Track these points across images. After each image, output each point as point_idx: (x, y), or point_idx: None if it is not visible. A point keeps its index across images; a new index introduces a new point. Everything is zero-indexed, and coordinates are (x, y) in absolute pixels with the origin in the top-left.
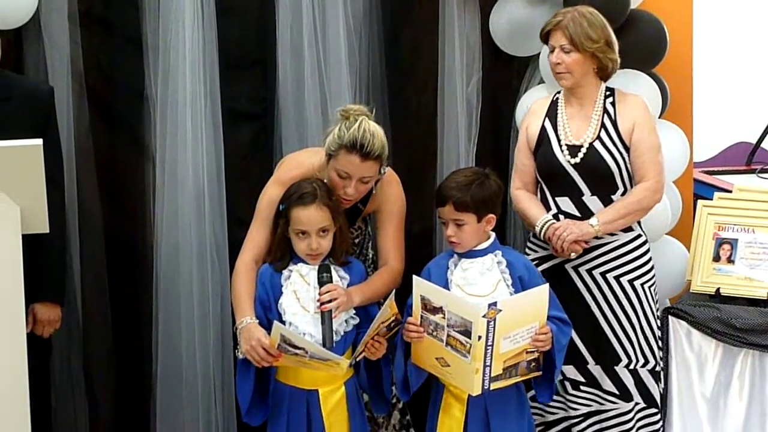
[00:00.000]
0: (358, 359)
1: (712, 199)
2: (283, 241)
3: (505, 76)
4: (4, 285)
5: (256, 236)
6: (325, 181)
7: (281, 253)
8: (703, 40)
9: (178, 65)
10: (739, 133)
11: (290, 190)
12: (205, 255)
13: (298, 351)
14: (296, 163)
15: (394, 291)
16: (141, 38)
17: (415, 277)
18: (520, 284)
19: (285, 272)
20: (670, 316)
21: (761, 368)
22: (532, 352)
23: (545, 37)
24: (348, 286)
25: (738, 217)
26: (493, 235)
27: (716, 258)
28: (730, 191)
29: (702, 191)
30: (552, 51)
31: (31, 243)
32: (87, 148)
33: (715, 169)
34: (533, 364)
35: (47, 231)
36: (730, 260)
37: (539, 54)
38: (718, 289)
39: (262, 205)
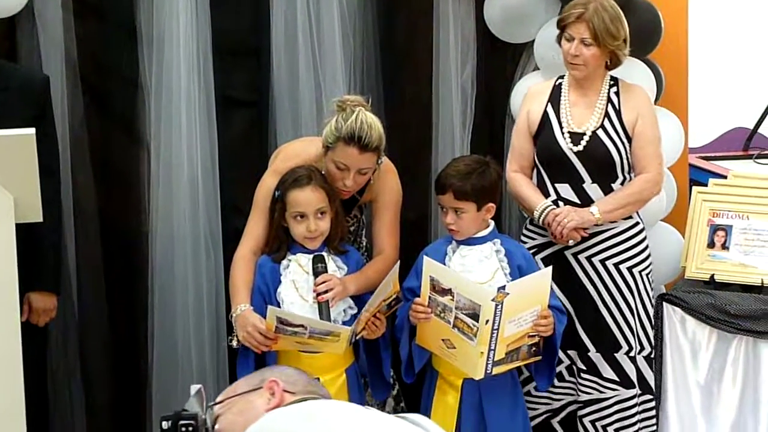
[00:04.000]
0: (357, 337)
1: (708, 185)
2: (280, 229)
3: (499, 63)
4: None
5: (254, 227)
6: (323, 172)
7: (279, 242)
8: (699, 26)
9: (172, 54)
10: (736, 119)
11: (285, 176)
12: (200, 243)
13: (297, 329)
14: (293, 153)
15: (397, 266)
16: (135, 27)
17: (425, 257)
18: (519, 273)
19: (284, 262)
20: (664, 303)
21: (755, 355)
22: (533, 336)
23: (561, 24)
24: (346, 275)
25: (733, 203)
26: (492, 223)
27: (711, 244)
28: (727, 177)
29: (699, 177)
30: (569, 40)
31: (26, 232)
32: (81, 137)
33: (712, 154)
34: (533, 348)
35: (41, 220)
36: (724, 247)
37: (534, 41)
38: (713, 275)
39: (260, 196)
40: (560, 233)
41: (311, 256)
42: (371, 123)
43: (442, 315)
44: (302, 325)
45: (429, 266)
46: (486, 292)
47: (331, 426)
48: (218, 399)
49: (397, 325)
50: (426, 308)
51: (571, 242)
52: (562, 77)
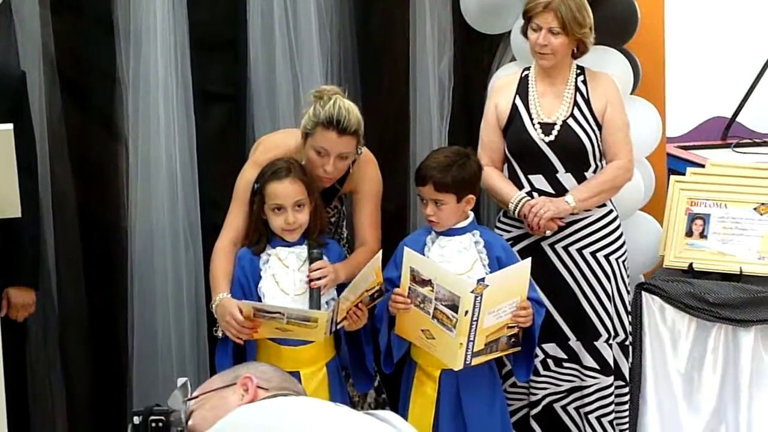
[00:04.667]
0: (338, 326)
1: (686, 174)
2: (259, 221)
3: (476, 54)
4: None
5: (234, 219)
6: (303, 163)
7: (258, 234)
8: (676, 15)
9: (149, 48)
10: (714, 108)
11: (264, 168)
12: (179, 237)
13: (275, 315)
14: (272, 145)
15: (380, 255)
16: (112, 21)
17: (406, 248)
18: (498, 264)
19: (263, 256)
20: (643, 292)
21: (735, 343)
22: (512, 327)
23: (527, 14)
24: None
25: (710, 192)
26: (471, 214)
27: (689, 233)
28: (705, 166)
29: (677, 166)
30: (536, 30)
31: (4, 228)
32: (60, 132)
33: (691, 144)
34: (513, 339)
35: (19, 215)
36: (702, 235)
37: (510, 32)
38: (691, 264)
39: (240, 188)
40: (537, 224)
41: (294, 248)
42: (349, 108)
43: (421, 306)
44: (279, 312)
45: (409, 257)
46: (465, 283)
47: (299, 422)
48: (194, 394)
49: (377, 314)
50: (406, 299)
51: (548, 233)
52: (528, 68)
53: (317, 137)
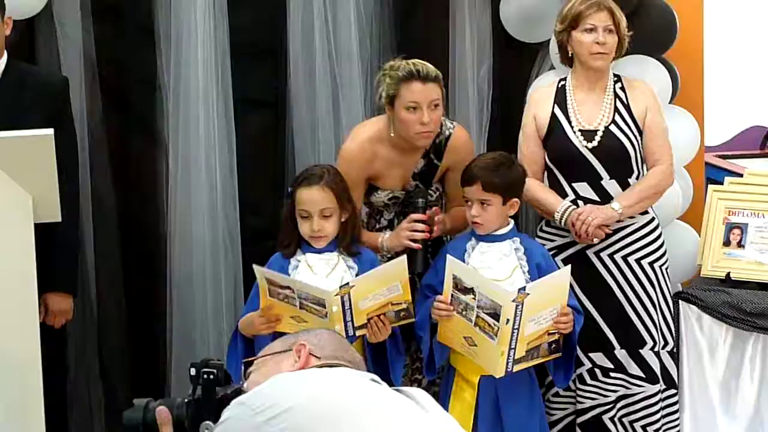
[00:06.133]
0: (358, 335)
1: (724, 184)
2: (291, 223)
3: (515, 62)
4: (17, 274)
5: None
6: (392, 135)
7: (289, 237)
8: (715, 25)
9: (189, 54)
10: (754, 117)
11: (300, 173)
12: (219, 244)
13: (285, 291)
14: (358, 130)
15: (405, 259)
16: (153, 28)
17: (449, 256)
18: (537, 271)
19: (293, 261)
20: (680, 301)
21: None
22: (553, 333)
23: (577, 18)
24: (357, 275)
25: (748, 201)
26: (512, 221)
27: (726, 242)
28: (743, 175)
29: (715, 175)
30: (591, 31)
31: (43, 233)
32: (100, 138)
33: (729, 153)
34: (554, 345)
35: (59, 220)
36: (740, 245)
37: (549, 40)
38: (729, 273)
39: (347, 173)
40: (585, 232)
41: (323, 254)
42: (420, 61)
43: (464, 313)
44: (289, 287)
45: (452, 265)
46: (507, 292)
47: (319, 394)
48: (256, 357)
49: (418, 322)
50: (448, 306)
51: (595, 240)
52: (564, 79)
53: (404, 94)
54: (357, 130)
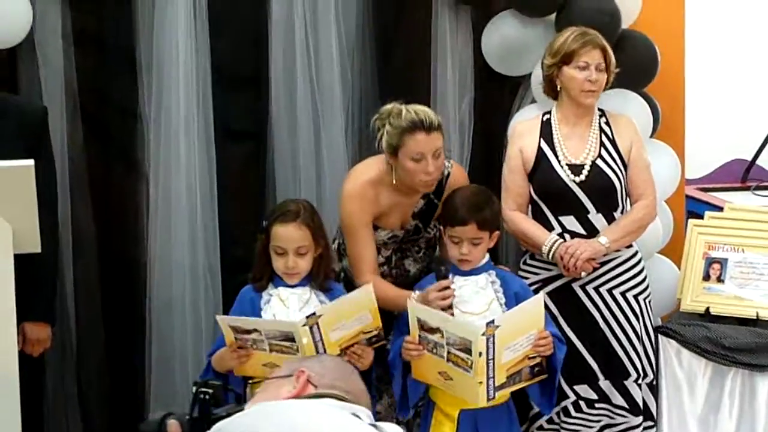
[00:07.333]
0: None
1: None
2: (264, 257)
3: (497, 95)
4: None
5: (363, 251)
6: (394, 182)
7: (262, 271)
8: (695, 58)
9: (171, 83)
10: (735, 150)
11: (275, 208)
12: (199, 273)
13: (253, 335)
14: (360, 171)
15: (371, 288)
16: (135, 57)
17: (408, 300)
18: (515, 300)
19: (264, 295)
20: (660, 335)
21: (751, 387)
22: (534, 357)
23: (571, 55)
24: None
25: (728, 236)
26: (487, 254)
27: (706, 277)
28: (723, 209)
29: (696, 208)
30: (584, 68)
31: (22, 262)
32: (81, 167)
33: (711, 186)
34: (537, 368)
35: (39, 251)
36: (719, 279)
37: (531, 74)
38: (708, 308)
39: (347, 223)
40: (573, 265)
41: (294, 289)
42: (421, 107)
43: (434, 351)
44: (256, 329)
45: (414, 309)
46: (474, 327)
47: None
48: (267, 377)
49: (390, 361)
50: (417, 346)
51: (583, 274)
52: (548, 113)
53: (408, 145)
54: (356, 172)
